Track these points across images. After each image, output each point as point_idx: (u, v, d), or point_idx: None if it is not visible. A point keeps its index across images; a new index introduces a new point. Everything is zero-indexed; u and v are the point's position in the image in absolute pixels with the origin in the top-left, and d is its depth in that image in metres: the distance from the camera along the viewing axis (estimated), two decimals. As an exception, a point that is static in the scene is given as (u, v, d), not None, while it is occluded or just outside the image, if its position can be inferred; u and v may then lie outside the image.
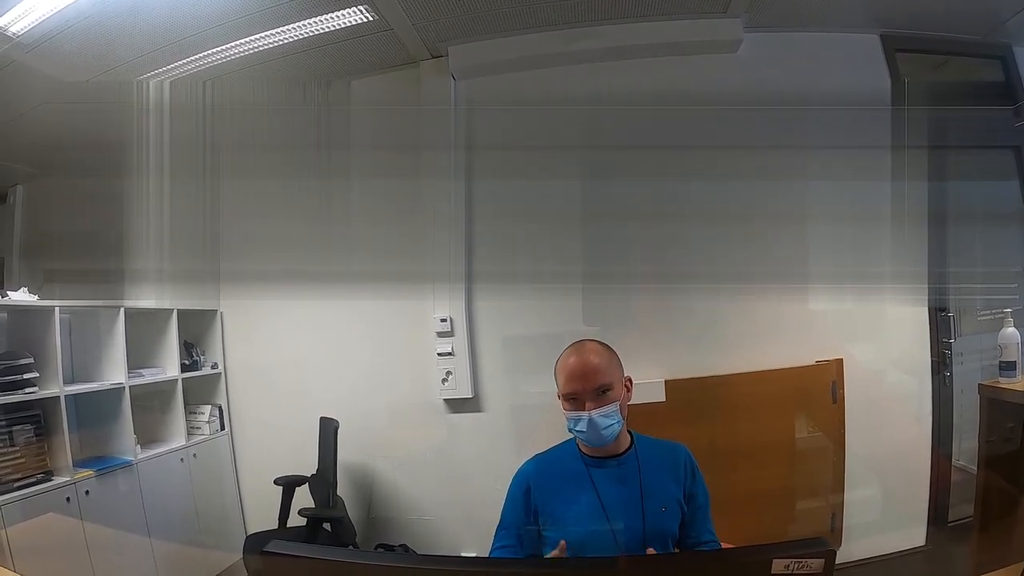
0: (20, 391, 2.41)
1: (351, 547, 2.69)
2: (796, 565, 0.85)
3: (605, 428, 1.57)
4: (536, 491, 1.65)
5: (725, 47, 2.69)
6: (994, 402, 2.26)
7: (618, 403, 1.60)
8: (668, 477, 1.63)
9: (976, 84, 2.89)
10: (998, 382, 2.27)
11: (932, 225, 2.68)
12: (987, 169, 2.83)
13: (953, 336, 2.70)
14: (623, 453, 1.65)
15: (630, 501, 1.59)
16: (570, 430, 1.62)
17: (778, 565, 0.85)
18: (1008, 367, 2.24)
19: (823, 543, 0.89)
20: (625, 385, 1.66)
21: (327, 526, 2.70)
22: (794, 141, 2.66)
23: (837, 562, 2.53)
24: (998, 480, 2.20)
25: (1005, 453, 2.20)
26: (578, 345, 1.64)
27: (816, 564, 0.86)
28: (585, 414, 1.57)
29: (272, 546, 1.10)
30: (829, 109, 2.58)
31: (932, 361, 2.70)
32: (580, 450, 1.67)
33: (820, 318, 2.74)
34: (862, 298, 2.67)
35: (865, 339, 2.76)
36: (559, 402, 1.64)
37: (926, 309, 2.71)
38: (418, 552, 2.81)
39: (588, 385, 1.58)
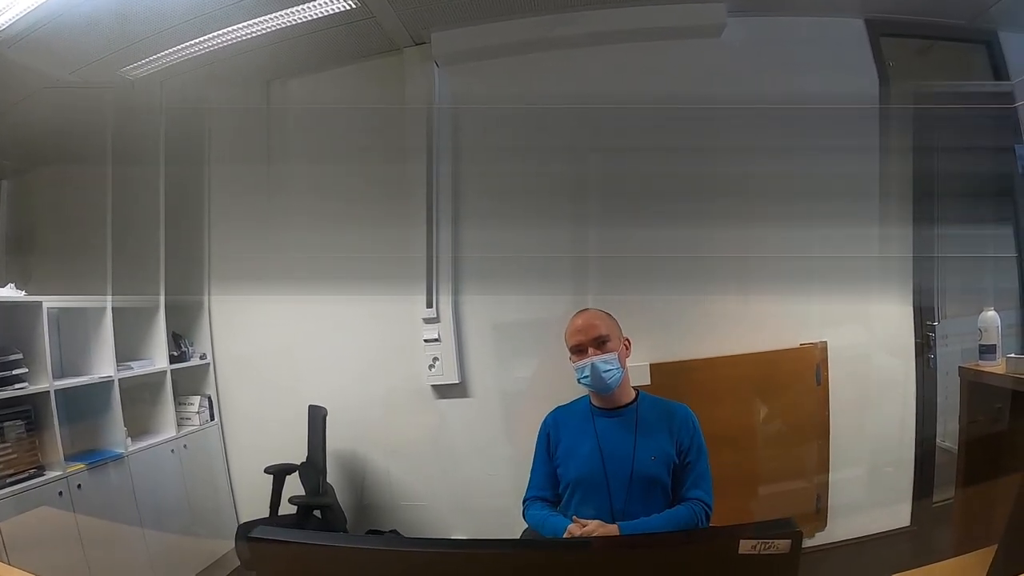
0: (10, 387, 2.41)
1: (342, 533, 2.70)
2: (763, 546, 0.86)
3: (605, 371, 1.85)
4: (553, 436, 1.96)
5: (709, 31, 2.68)
6: (975, 385, 2.27)
7: (617, 353, 1.88)
8: (663, 431, 1.86)
9: (961, 67, 2.89)
10: (979, 365, 2.28)
11: (917, 206, 2.71)
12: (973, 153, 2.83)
13: (937, 319, 2.72)
14: (626, 405, 1.92)
15: (623, 447, 1.85)
16: (579, 381, 1.91)
17: (745, 546, 0.86)
18: (988, 350, 2.23)
19: (790, 524, 0.90)
20: (624, 344, 1.95)
21: (318, 513, 2.72)
22: (780, 125, 2.65)
23: (823, 542, 2.57)
24: (978, 462, 2.21)
25: (986, 435, 2.21)
26: (582, 310, 1.99)
27: (783, 544, 0.87)
28: (588, 360, 1.85)
29: (259, 532, 1.09)
30: (817, 99, 2.58)
31: (916, 343, 2.72)
32: (591, 403, 1.95)
33: (805, 300, 2.74)
34: (847, 281, 2.68)
35: (849, 321, 2.77)
36: (570, 365, 1.91)
37: (910, 292, 2.73)
38: (408, 537, 2.83)
39: (590, 335, 1.88)
